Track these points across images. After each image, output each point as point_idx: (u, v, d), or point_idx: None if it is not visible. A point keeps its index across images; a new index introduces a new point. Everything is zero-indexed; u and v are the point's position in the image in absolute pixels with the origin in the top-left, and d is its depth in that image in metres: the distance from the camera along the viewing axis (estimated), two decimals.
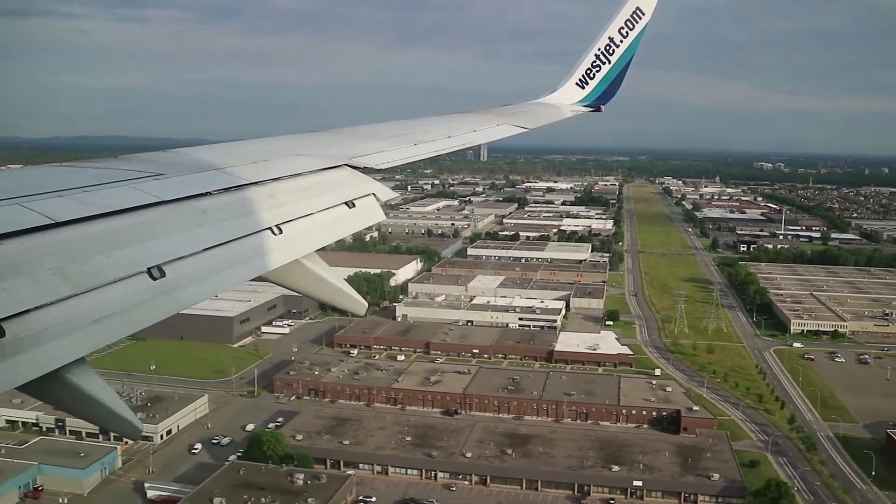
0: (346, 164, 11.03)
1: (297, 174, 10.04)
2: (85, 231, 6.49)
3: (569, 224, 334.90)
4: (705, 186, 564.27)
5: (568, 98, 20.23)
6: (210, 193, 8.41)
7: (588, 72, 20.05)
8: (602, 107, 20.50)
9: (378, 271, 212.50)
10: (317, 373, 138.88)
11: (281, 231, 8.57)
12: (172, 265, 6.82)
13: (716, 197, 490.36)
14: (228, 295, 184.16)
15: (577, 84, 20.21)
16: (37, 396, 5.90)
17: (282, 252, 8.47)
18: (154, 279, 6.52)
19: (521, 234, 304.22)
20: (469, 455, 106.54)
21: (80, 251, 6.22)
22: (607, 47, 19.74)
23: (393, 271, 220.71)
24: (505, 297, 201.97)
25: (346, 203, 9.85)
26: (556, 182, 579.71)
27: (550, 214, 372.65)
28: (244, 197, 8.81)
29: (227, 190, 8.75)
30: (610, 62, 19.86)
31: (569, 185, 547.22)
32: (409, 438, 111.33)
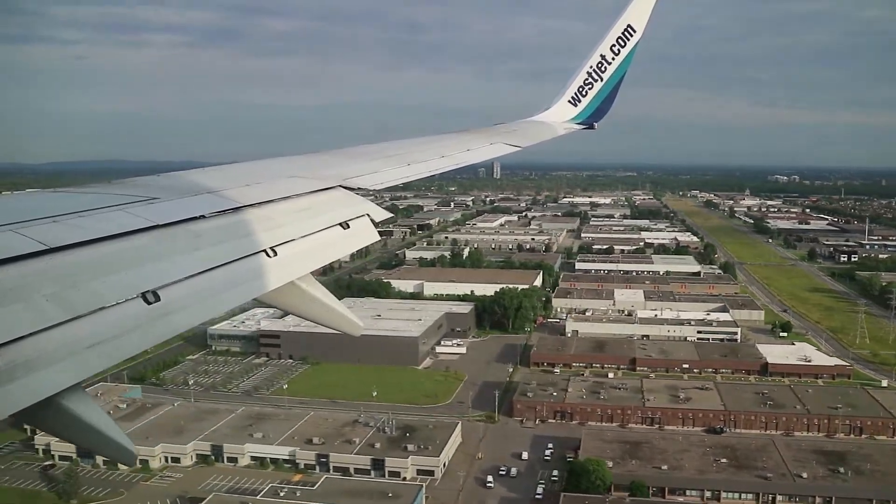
0: (340, 186, 11.09)
1: (292, 196, 10.09)
2: (79, 256, 6.47)
3: (648, 237, 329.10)
4: (743, 199, 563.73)
5: (561, 116, 20.31)
6: (204, 217, 8.42)
7: (580, 89, 20.19)
8: (595, 124, 20.56)
9: (508, 285, 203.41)
10: (554, 394, 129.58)
11: (276, 253, 8.65)
12: (167, 289, 6.77)
13: (767, 209, 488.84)
14: (391, 314, 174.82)
15: (569, 102, 20.31)
16: (31, 423, 6.03)
17: (277, 274, 8.52)
18: (149, 303, 6.51)
19: (614, 247, 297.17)
20: (805, 475, 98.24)
21: (75, 276, 6.19)
22: (599, 65, 19.90)
23: (523, 286, 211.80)
24: (655, 309, 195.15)
25: (340, 224, 9.93)
26: (590, 196, 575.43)
27: (621, 228, 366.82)
28: (238, 220, 8.90)
29: (221, 213, 8.77)
30: (602, 79, 20.03)
31: (609, 200, 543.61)
32: (724, 460, 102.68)
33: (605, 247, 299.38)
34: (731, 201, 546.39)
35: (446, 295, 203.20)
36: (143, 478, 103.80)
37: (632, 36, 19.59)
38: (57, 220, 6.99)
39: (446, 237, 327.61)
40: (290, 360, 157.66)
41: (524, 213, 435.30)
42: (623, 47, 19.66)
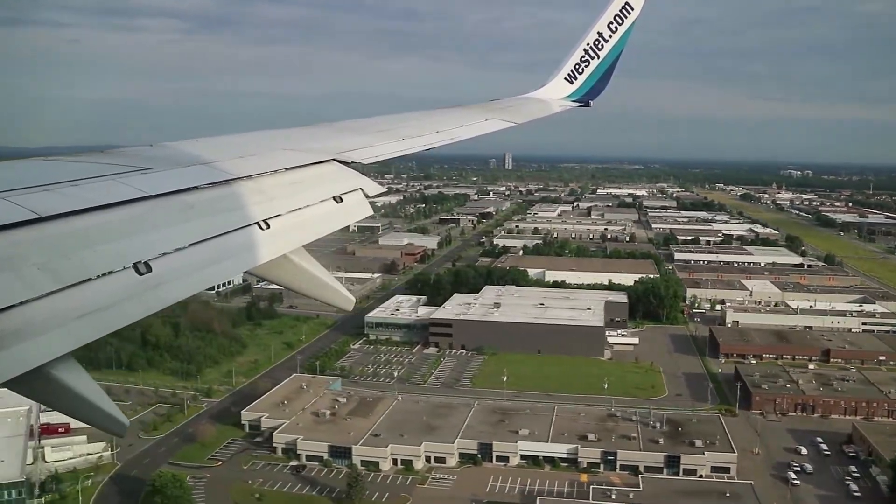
0: (333, 159, 11.07)
1: (285, 169, 10.07)
2: (71, 225, 6.48)
3: (724, 228, 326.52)
4: (779, 192, 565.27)
5: (556, 93, 20.19)
6: (197, 188, 8.42)
7: (577, 67, 20.14)
8: (590, 102, 20.46)
9: (626, 274, 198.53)
10: (787, 386, 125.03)
11: (268, 226, 8.66)
12: (159, 260, 6.79)
13: (809, 203, 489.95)
14: (553, 303, 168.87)
15: (565, 79, 20.25)
16: (20, 392, 5.90)
17: (269, 247, 8.53)
18: (140, 274, 6.50)
19: (700, 238, 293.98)
20: None
21: (66, 246, 6.22)
22: (596, 42, 19.81)
23: (641, 275, 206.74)
24: (793, 300, 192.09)
25: (333, 198, 9.98)
26: (620, 188, 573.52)
27: (685, 220, 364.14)
28: (231, 192, 8.88)
29: (214, 184, 8.74)
30: (599, 57, 19.97)
31: (644, 192, 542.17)
32: None
33: (690, 238, 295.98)
34: (766, 194, 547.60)
35: (587, 284, 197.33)
36: (417, 480, 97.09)
37: (629, 13, 19.52)
38: (48, 188, 6.98)
39: (516, 226, 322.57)
40: (463, 351, 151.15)
41: (574, 204, 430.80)
42: (620, 25, 19.58)
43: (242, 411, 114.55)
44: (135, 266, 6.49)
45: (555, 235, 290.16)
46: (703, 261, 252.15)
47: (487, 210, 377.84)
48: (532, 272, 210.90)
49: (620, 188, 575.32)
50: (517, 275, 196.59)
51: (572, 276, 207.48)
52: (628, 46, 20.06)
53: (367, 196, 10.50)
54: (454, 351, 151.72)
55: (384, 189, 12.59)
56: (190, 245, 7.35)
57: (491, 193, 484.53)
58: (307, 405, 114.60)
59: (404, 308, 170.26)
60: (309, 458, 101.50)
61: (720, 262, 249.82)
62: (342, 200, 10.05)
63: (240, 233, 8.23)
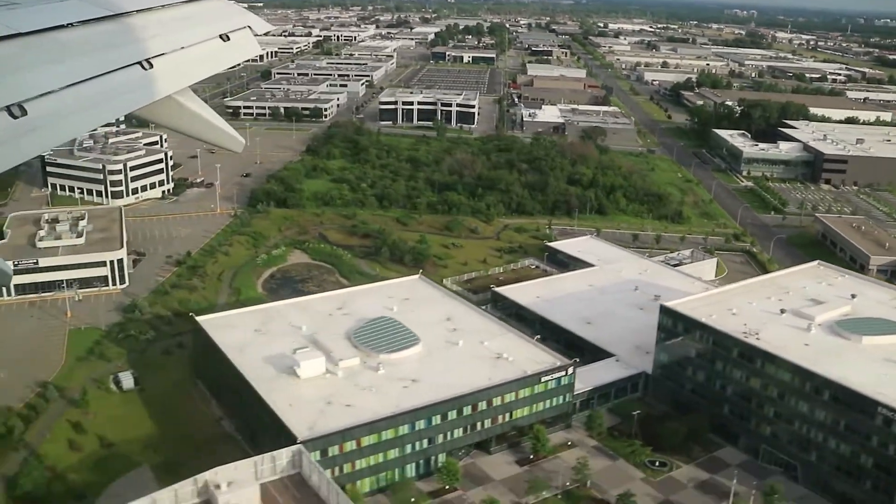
0: None
1: (168, 5, 9.73)
2: None
3: None
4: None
5: None
6: (73, 25, 7.95)
7: None
8: None
9: None
10: None
11: (151, 66, 8.54)
12: (34, 103, 6.64)
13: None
14: None
15: None
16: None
17: (153, 88, 8.46)
18: (14, 118, 6.42)
19: None
20: None
21: None
22: None
23: None
24: None
25: (220, 36, 10.00)
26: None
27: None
28: (110, 29, 8.48)
29: (91, 21, 8.23)
30: None
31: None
32: None
33: None
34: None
35: None
36: None
37: None
38: None
39: None
40: None
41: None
42: None
43: None
44: (8, 109, 6.26)
45: None
46: None
47: None
48: None
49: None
50: None
51: None
52: None
53: (255, 34, 10.79)
54: None
55: (273, 27, 15.31)
56: (68, 86, 6.94)
57: None
58: None
59: None
60: None
61: None
62: (229, 39, 10.02)
63: (121, 73, 7.99)
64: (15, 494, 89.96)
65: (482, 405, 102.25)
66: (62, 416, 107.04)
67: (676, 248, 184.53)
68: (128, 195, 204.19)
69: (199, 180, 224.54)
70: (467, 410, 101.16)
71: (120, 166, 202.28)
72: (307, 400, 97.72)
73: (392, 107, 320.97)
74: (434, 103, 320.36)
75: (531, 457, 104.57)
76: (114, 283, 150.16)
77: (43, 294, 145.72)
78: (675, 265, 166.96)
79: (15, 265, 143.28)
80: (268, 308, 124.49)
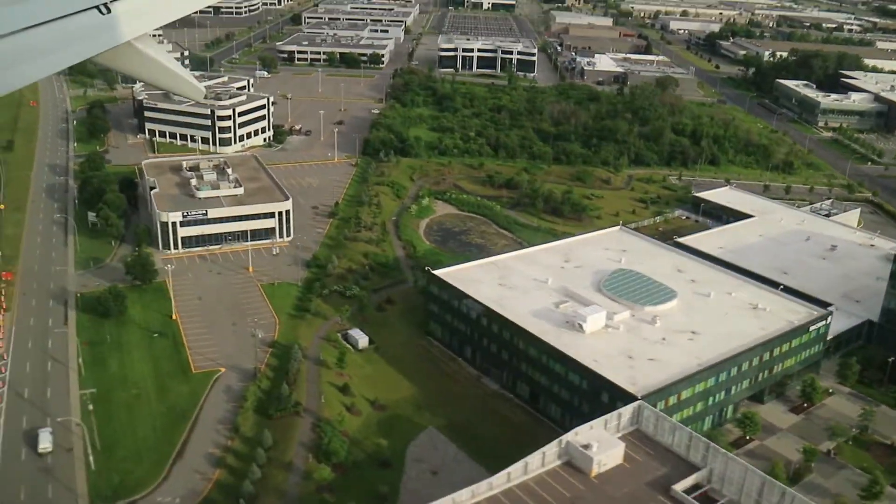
0: None
1: None
2: None
3: None
4: None
5: None
6: None
7: None
8: None
9: None
10: None
11: (109, 10, 8.32)
12: None
13: None
14: None
15: None
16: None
17: (112, 33, 8.24)
18: None
19: None
20: None
21: None
22: None
23: None
24: None
25: None
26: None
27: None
28: None
29: None
30: None
31: None
32: None
33: None
34: None
35: None
36: None
37: None
38: None
39: None
40: None
41: None
42: None
43: None
44: None
45: None
46: None
47: None
48: None
49: None
50: None
51: None
52: None
53: None
54: None
55: None
56: (22, 30, 6.84)
57: None
58: None
59: None
60: None
61: None
62: None
63: (78, 17, 7.73)
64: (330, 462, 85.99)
65: (766, 356, 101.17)
66: (320, 379, 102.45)
67: (805, 198, 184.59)
68: (235, 142, 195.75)
69: (297, 127, 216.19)
70: (755, 361, 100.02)
71: (229, 112, 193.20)
72: (606, 355, 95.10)
73: (452, 53, 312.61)
74: (494, 51, 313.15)
75: (804, 405, 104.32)
76: (280, 236, 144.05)
77: (210, 247, 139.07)
78: (825, 216, 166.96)
79: (184, 216, 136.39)
80: (494, 261, 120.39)
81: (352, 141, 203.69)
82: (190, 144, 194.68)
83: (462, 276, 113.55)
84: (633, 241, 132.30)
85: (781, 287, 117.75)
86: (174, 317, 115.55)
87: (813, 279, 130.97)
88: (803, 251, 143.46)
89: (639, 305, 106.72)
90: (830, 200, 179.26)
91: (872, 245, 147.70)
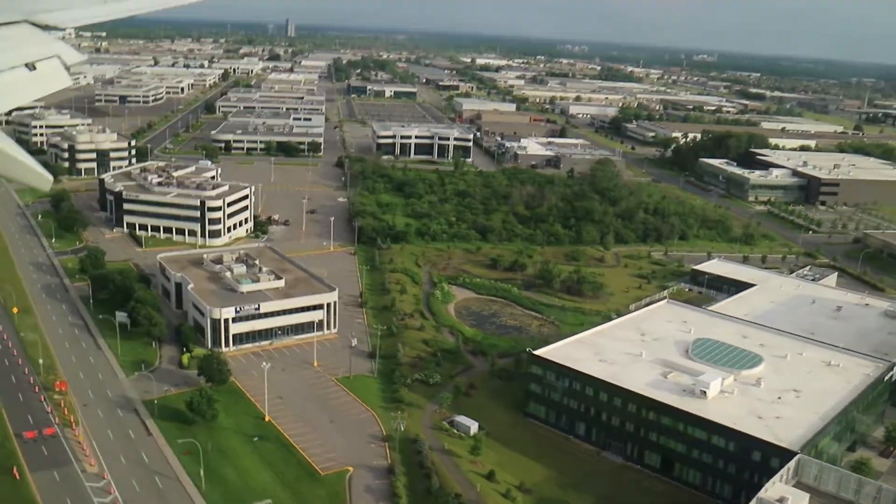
0: (25, 21, 10.16)
1: None
2: None
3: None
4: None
5: None
6: None
7: None
8: None
9: None
10: None
11: None
12: None
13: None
14: None
15: None
16: None
17: None
18: None
19: None
20: None
21: None
22: None
23: None
24: None
25: (25, 65, 9.11)
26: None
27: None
28: None
29: None
30: None
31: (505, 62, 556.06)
32: None
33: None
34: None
35: None
36: None
37: None
38: None
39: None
40: None
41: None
42: None
43: None
44: None
45: None
46: None
47: None
48: None
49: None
50: None
51: None
52: None
53: (65, 65, 9.71)
54: None
55: (84, 57, 11.45)
56: None
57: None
58: None
59: None
60: None
61: None
62: (35, 68, 9.01)
63: None
64: None
65: (864, 404, 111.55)
66: (458, 469, 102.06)
67: (779, 267, 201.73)
68: (224, 234, 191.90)
69: (275, 217, 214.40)
70: (860, 409, 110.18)
71: (219, 202, 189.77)
72: (737, 417, 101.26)
73: (390, 140, 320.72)
74: (431, 137, 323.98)
75: (891, 449, 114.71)
76: (328, 328, 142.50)
77: (261, 343, 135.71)
78: (812, 280, 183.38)
79: (237, 312, 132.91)
80: (580, 338, 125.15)
81: (338, 229, 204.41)
82: (175, 237, 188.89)
83: (560, 354, 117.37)
84: (686, 312, 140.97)
85: (841, 345, 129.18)
86: (266, 418, 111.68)
87: (837, 337, 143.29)
88: (814, 313, 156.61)
89: (735, 370, 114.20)
90: (809, 267, 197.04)
91: (867, 304, 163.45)
